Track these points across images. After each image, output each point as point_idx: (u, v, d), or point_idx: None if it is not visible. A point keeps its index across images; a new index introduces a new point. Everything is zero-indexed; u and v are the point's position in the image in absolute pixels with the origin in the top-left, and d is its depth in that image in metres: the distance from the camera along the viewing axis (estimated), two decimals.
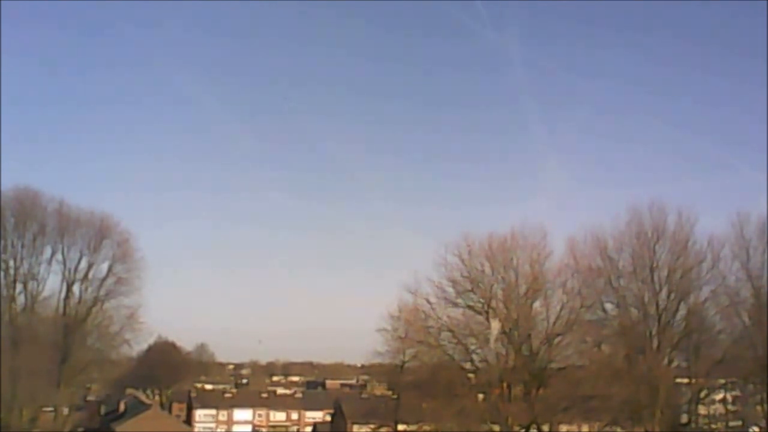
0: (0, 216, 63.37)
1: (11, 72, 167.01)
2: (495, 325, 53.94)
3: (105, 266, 66.85)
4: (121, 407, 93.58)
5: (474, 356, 57.05)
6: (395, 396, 73.49)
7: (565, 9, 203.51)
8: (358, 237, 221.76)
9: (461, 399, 54.74)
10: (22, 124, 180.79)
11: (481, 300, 55.91)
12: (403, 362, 62.80)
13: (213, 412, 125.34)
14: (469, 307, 56.28)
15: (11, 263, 63.96)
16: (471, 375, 58.26)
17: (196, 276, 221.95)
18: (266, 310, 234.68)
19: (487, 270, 56.19)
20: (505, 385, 55.35)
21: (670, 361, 56.18)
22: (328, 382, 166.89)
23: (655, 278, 55.19)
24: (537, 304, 56.50)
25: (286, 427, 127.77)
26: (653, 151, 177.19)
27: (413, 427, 65.98)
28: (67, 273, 65.66)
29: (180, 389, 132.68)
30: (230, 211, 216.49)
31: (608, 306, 57.33)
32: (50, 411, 65.72)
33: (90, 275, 66.29)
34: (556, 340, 55.66)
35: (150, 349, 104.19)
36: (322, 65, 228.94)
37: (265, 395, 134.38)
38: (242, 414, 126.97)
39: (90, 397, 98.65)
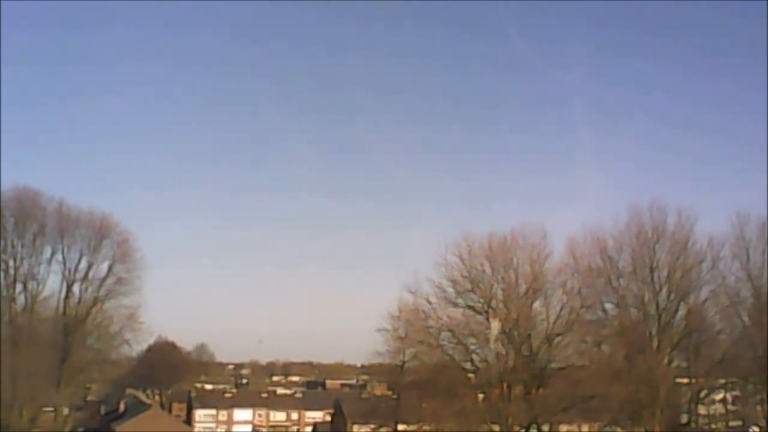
0: (0, 216, 63.33)
1: (11, 72, 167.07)
2: (495, 325, 54.00)
3: (105, 266, 66.74)
4: (121, 407, 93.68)
5: (474, 356, 57.10)
6: (395, 396, 73.52)
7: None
8: (358, 237, 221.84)
9: (461, 399, 54.76)
10: (22, 124, 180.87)
11: (481, 300, 55.89)
12: (403, 362, 62.72)
13: (213, 412, 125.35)
14: (469, 307, 56.24)
15: (11, 263, 63.82)
16: (471, 375, 58.24)
17: (196, 276, 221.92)
18: (266, 310, 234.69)
19: (487, 270, 56.18)
20: (505, 385, 55.33)
21: (670, 361, 56.10)
22: (328, 382, 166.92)
23: (655, 278, 55.11)
24: (537, 304, 56.53)
25: (286, 427, 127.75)
26: (653, 151, 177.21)
27: (413, 427, 65.93)
28: (67, 273, 65.55)
29: (180, 389, 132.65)
30: (230, 211, 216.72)
31: (608, 306, 57.30)
32: (50, 411, 65.74)
33: (90, 275, 66.17)
34: (556, 340, 55.67)
35: (150, 349, 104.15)
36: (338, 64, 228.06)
37: (265, 395, 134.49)
38: (242, 414, 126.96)
39: (90, 397, 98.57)
